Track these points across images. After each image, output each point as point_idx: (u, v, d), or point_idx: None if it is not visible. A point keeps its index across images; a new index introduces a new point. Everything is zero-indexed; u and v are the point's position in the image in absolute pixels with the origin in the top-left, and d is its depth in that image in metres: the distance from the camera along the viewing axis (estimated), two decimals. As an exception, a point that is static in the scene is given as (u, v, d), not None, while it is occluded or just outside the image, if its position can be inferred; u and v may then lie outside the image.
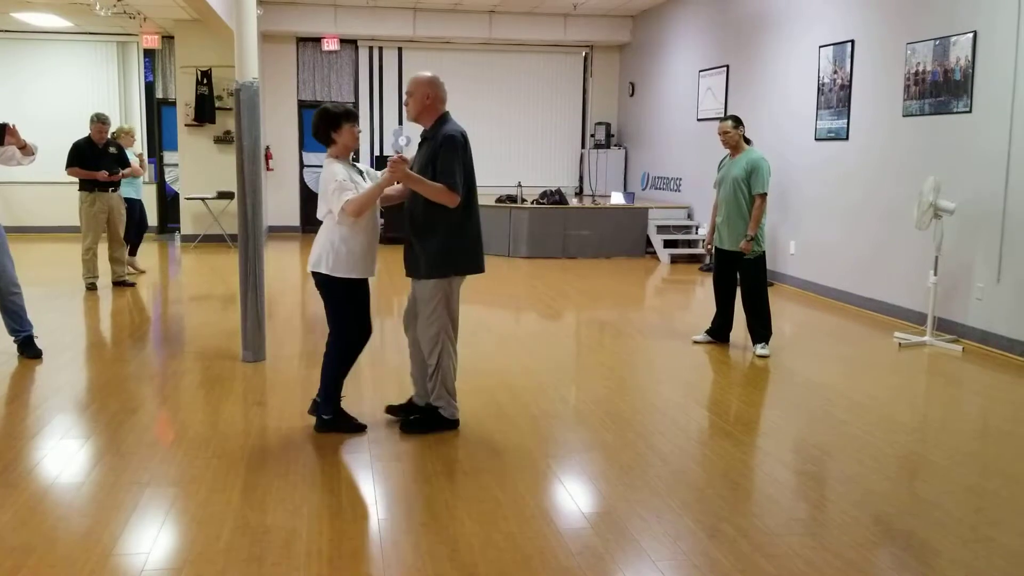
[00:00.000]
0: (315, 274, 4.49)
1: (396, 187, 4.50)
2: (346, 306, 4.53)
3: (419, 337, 4.61)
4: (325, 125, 4.43)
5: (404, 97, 4.64)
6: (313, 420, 4.68)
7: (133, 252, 10.19)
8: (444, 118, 4.55)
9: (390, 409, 4.89)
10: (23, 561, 3.14)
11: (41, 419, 4.82)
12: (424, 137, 4.59)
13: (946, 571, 3.21)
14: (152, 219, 14.71)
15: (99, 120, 9.15)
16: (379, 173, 4.56)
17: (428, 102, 4.51)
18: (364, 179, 4.53)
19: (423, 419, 4.70)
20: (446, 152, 4.38)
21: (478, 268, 4.58)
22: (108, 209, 9.17)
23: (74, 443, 4.44)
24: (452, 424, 4.69)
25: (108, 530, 3.41)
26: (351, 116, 4.47)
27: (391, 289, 9.24)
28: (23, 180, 13.80)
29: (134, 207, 10.11)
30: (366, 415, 4.84)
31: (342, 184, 4.32)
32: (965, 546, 3.42)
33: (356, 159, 4.84)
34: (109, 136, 9.37)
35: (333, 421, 4.61)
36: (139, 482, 3.91)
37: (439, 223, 4.43)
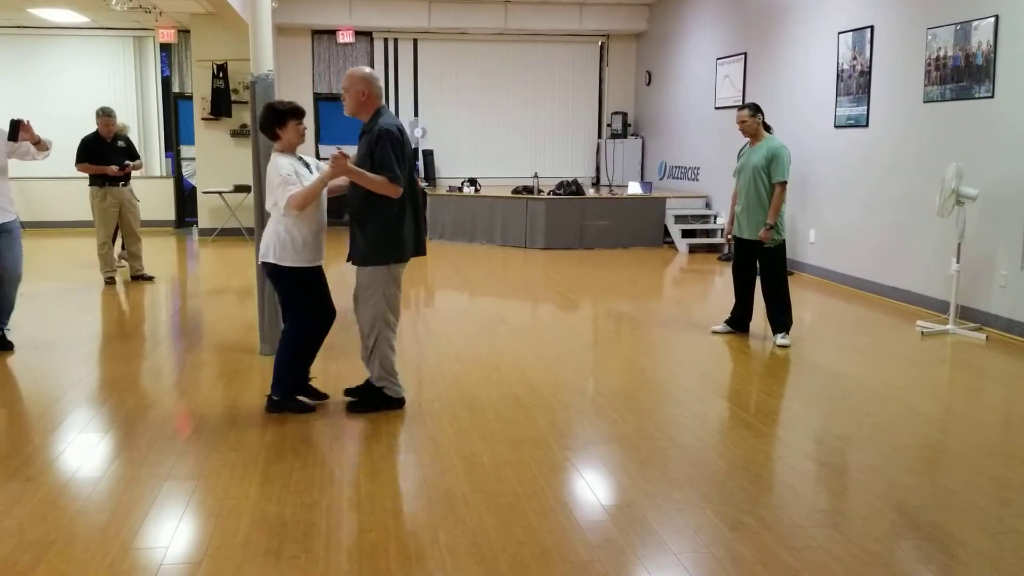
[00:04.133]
0: (264, 264, 4.66)
1: (340, 179, 4.61)
2: (300, 294, 4.71)
3: (358, 320, 4.79)
4: (271, 121, 4.60)
5: (341, 92, 4.78)
6: (336, 413, 4.69)
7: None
8: (379, 111, 4.67)
9: (348, 391, 5.03)
10: (42, 555, 3.15)
11: (60, 414, 4.84)
12: (362, 131, 4.71)
13: (971, 563, 3.16)
14: (169, 213, 14.80)
15: (105, 114, 9.11)
16: (324, 165, 4.72)
17: (363, 98, 4.65)
18: (311, 171, 4.67)
19: (367, 399, 4.86)
20: (383, 146, 4.50)
21: (416, 252, 4.75)
22: (119, 203, 9.15)
23: (93, 437, 4.45)
24: (398, 403, 4.86)
25: (127, 524, 3.41)
26: (297, 113, 4.63)
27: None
28: (41, 175, 13.83)
29: None
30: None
31: (286, 179, 4.48)
32: (991, 538, 3.36)
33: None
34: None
35: (282, 402, 4.79)
36: (158, 476, 3.91)
37: (376, 212, 4.58)
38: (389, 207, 4.56)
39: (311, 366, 4.98)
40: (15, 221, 6.34)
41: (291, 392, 4.83)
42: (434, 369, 5.77)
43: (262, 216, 6.02)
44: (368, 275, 4.67)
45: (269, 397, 4.82)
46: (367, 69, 4.73)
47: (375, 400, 4.84)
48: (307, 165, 4.69)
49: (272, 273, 4.66)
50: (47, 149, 6.39)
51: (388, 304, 4.70)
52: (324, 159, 4.93)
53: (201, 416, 4.80)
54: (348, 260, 4.76)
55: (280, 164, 4.52)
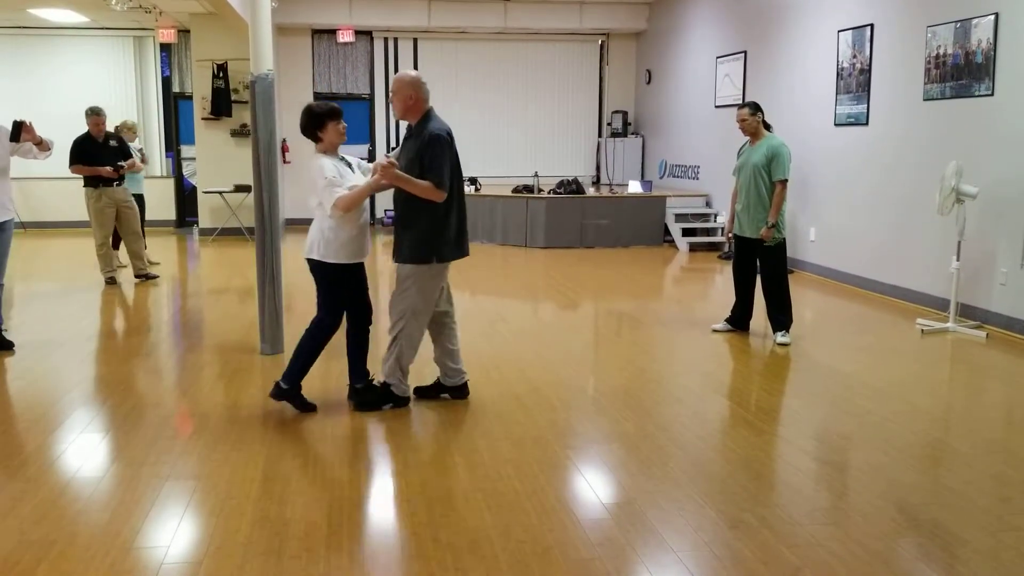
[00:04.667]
0: (309, 260, 4.71)
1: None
2: (337, 289, 4.74)
3: (389, 310, 4.81)
4: (310, 125, 4.64)
5: (389, 96, 4.80)
6: (337, 412, 4.69)
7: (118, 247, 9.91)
8: (429, 115, 4.70)
9: (420, 391, 5.06)
10: (44, 554, 3.15)
11: (61, 413, 4.85)
12: (409, 134, 4.74)
13: (972, 561, 3.16)
14: (170, 213, 14.80)
15: (94, 113, 9.05)
16: (368, 165, 4.80)
17: (411, 102, 4.67)
18: (353, 170, 4.71)
19: (374, 396, 4.87)
20: (433, 150, 4.54)
21: (460, 254, 4.78)
22: (115, 204, 9.09)
23: (94, 437, 4.46)
24: (403, 401, 4.90)
25: (128, 523, 3.42)
26: (334, 114, 4.65)
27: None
28: (42, 175, 13.87)
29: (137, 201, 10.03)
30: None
31: (331, 180, 4.52)
32: (992, 536, 3.37)
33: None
34: (113, 130, 9.34)
35: (289, 391, 4.80)
36: (159, 475, 3.91)
37: (422, 214, 4.61)
38: (435, 208, 4.59)
39: (366, 364, 4.96)
40: (11, 221, 6.34)
41: (300, 386, 4.84)
42: (434, 368, 5.77)
43: (263, 216, 6.05)
44: (408, 272, 4.70)
45: (277, 383, 4.83)
46: (413, 72, 4.73)
47: (381, 396, 4.86)
48: (349, 164, 4.72)
49: (315, 268, 4.71)
50: (48, 149, 6.39)
51: (423, 302, 4.72)
52: (363, 159, 5.02)
53: (202, 416, 4.81)
54: (393, 259, 4.80)
55: (324, 165, 4.54)
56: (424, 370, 5.40)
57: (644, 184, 13.11)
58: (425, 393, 5.07)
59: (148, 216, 10.54)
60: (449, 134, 4.65)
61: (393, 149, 4.54)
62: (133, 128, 10.44)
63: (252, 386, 5.38)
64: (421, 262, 4.66)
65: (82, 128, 9.23)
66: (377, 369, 5.02)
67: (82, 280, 9.29)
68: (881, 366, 5.95)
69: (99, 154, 9.01)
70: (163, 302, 8.50)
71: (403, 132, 15.54)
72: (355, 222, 4.64)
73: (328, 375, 5.46)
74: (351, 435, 4.49)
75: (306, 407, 4.82)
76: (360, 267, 4.82)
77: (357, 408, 4.85)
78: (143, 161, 10.42)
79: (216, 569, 3.06)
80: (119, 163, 9.06)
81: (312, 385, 5.39)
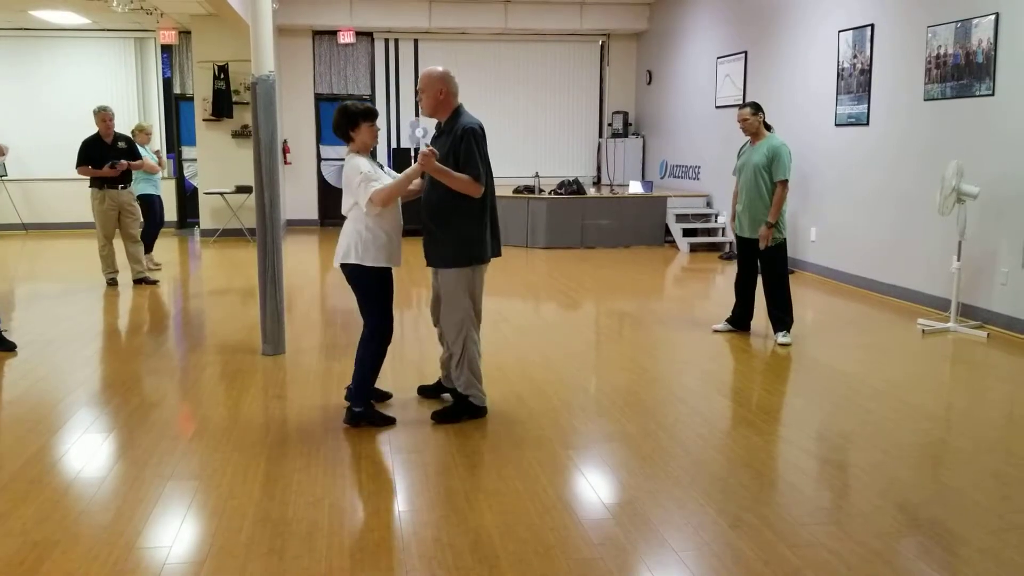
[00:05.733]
0: (345, 266, 4.55)
1: (416, 181, 4.58)
2: (383, 294, 4.61)
3: (443, 324, 4.71)
4: (345, 123, 4.53)
5: (418, 93, 4.70)
6: (338, 412, 4.69)
7: (149, 249, 10.05)
8: (459, 110, 4.62)
9: (423, 390, 5.05)
10: (47, 554, 3.16)
11: (63, 414, 4.86)
12: (441, 130, 4.64)
13: (973, 559, 3.16)
14: (171, 214, 14.79)
15: (102, 110, 9.02)
16: (396, 173, 4.66)
17: (442, 97, 4.57)
18: (384, 172, 4.63)
19: (453, 408, 4.76)
20: (468, 144, 4.45)
21: (496, 253, 4.70)
22: (118, 206, 9.07)
23: (96, 437, 4.47)
24: (481, 411, 4.76)
25: (131, 523, 3.43)
26: (370, 115, 4.55)
27: (408, 281, 9.24)
28: (44, 177, 13.92)
29: (154, 203, 10.11)
30: (387, 407, 4.83)
31: (367, 175, 4.43)
32: (992, 534, 3.37)
33: (373, 151, 4.91)
34: (128, 133, 9.33)
35: (364, 413, 4.63)
36: (161, 475, 3.92)
37: (459, 213, 4.51)
38: (470, 208, 4.51)
39: (374, 384, 4.80)
40: None
41: (371, 402, 4.71)
42: (436, 368, 5.77)
43: (264, 217, 6.06)
44: (453, 277, 4.58)
45: (350, 408, 4.62)
46: (441, 68, 4.63)
47: (461, 409, 4.73)
48: (380, 167, 4.65)
49: (353, 274, 4.55)
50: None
51: (475, 304, 4.67)
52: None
53: (204, 416, 4.82)
54: (429, 264, 4.69)
55: (359, 163, 4.48)
56: (426, 369, 5.41)
57: (645, 184, 13.11)
58: (427, 392, 5.07)
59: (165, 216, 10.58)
60: (482, 128, 4.55)
61: (428, 145, 4.44)
62: (146, 130, 10.34)
63: (254, 387, 5.39)
64: (465, 264, 4.56)
65: (83, 129, 9.24)
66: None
67: (84, 281, 9.30)
68: (882, 366, 5.95)
69: (106, 156, 8.98)
70: (165, 303, 8.50)
71: (404, 133, 15.59)
72: (391, 220, 4.54)
73: (329, 376, 5.47)
74: (352, 436, 4.50)
75: (385, 421, 4.64)
76: (391, 274, 4.65)
77: (436, 421, 4.65)
78: (160, 165, 10.40)
79: (218, 569, 3.07)
80: (113, 161, 8.96)
81: (312, 387, 5.42)
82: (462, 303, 4.61)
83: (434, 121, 4.77)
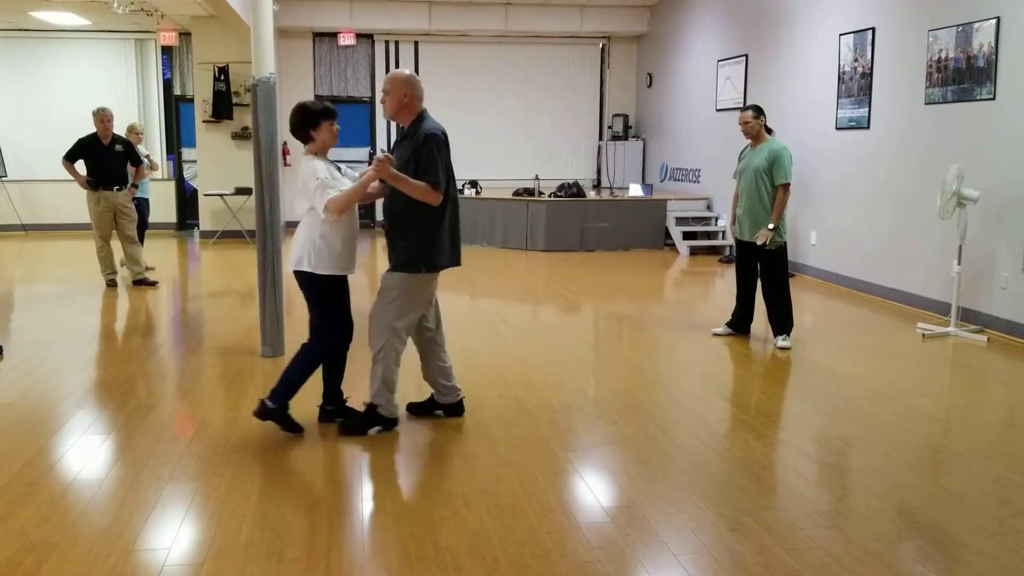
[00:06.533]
0: (298, 273, 4.46)
1: (375, 185, 4.47)
2: (335, 303, 4.53)
3: (370, 321, 4.53)
4: (305, 122, 4.43)
5: (381, 95, 4.61)
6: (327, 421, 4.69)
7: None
8: (423, 115, 4.50)
9: (413, 407, 4.86)
10: (45, 557, 3.15)
11: (62, 416, 4.85)
12: (404, 135, 4.54)
13: (972, 563, 3.16)
14: (171, 215, 14.81)
15: (101, 111, 8.96)
16: (355, 173, 4.58)
17: (406, 100, 4.47)
18: (343, 174, 4.53)
19: (361, 419, 4.57)
20: (429, 150, 4.34)
21: (456, 262, 4.57)
22: (112, 208, 9.02)
23: (95, 439, 4.46)
24: (391, 423, 4.59)
25: (129, 526, 3.42)
26: (330, 113, 4.47)
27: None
28: (44, 178, 13.90)
29: (141, 206, 9.93)
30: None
31: (324, 182, 4.33)
32: (992, 538, 3.37)
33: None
34: (122, 134, 9.30)
35: (277, 411, 4.48)
36: (160, 477, 3.92)
37: (417, 219, 4.41)
38: (429, 214, 4.40)
39: (342, 384, 4.74)
40: None
41: (288, 405, 4.56)
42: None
43: (264, 219, 6.05)
44: (398, 280, 4.45)
45: (263, 401, 4.49)
46: (408, 71, 4.56)
47: (367, 419, 4.55)
48: (339, 168, 4.54)
49: (307, 281, 4.46)
50: None
51: (409, 314, 4.51)
52: (350, 163, 4.83)
53: (203, 418, 4.81)
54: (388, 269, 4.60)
55: (316, 167, 4.37)
56: (423, 385, 5.41)
57: (645, 187, 13.12)
58: (418, 409, 4.85)
59: (149, 218, 10.53)
60: (444, 134, 4.46)
61: (383, 151, 4.36)
62: (139, 131, 10.29)
63: (253, 389, 5.38)
64: (412, 271, 4.43)
65: (83, 130, 9.21)
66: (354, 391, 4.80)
67: (83, 282, 9.28)
68: (882, 370, 5.95)
69: (102, 156, 8.94)
70: (164, 305, 8.50)
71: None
72: (346, 227, 4.46)
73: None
74: (351, 437, 4.49)
75: (293, 428, 4.50)
76: (346, 281, 4.58)
77: (342, 432, 4.53)
78: (151, 167, 10.37)
79: (217, 571, 3.06)
80: (119, 166, 9.00)
81: (311, 389, 5.40)
82: (394, 308, 4.45)
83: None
